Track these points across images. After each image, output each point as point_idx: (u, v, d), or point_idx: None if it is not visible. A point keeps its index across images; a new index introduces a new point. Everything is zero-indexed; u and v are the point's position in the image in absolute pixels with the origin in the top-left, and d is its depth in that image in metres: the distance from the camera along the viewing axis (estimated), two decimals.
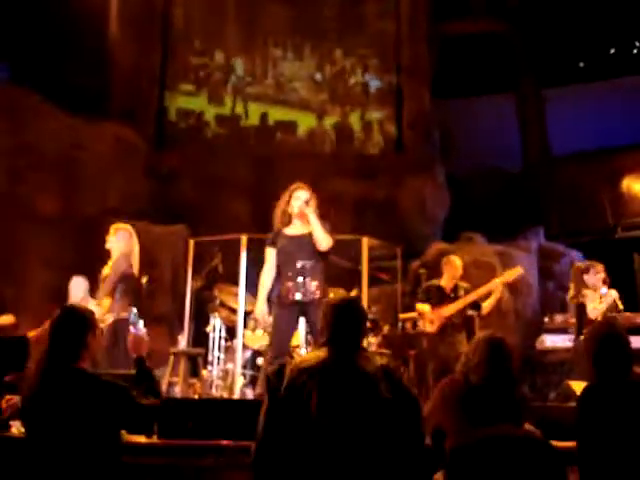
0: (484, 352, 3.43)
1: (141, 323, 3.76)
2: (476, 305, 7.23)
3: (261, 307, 5.44)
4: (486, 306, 7.20)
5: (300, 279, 5.30)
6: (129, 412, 3.26)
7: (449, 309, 7.12)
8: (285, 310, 5.32)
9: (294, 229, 5.54)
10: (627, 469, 3.38)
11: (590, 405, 3.56)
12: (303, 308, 5.31)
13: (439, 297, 7.27)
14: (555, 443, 3.66)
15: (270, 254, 5.50)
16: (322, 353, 3.16)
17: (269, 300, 5.56)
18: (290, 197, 5.56)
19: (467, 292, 7.24)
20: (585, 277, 6.94)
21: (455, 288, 7.31)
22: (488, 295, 7.22)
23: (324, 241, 5.41)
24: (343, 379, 3.04)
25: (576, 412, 3.61)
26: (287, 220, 5.57)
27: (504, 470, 2.96)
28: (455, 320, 7.09)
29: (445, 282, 7.36)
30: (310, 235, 5.43)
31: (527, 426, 3.53)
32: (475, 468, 2.93)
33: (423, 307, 7.30)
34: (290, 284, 5.28)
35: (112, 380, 3.37)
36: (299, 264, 5.33)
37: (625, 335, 3.77)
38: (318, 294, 5.29)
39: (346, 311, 3.24)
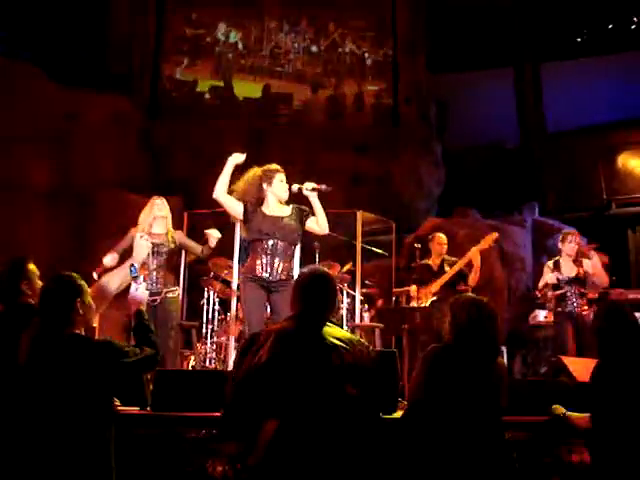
0: (468, 312, 3.49)
1: (141, 278, 3.80)
2: (463, 277, 7.28)
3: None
4: (472, 277, 7.26)
5: (269, 258, 5.33)
6: (121, 365, 3.32)
7: (435, 285, 7.22)
8: (253, 284, 5.33)
9: (271, 209, 5.50)
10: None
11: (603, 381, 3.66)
12: (268, 286, 5.34)
13: (428, 275, 7.37)
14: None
15: (239, 207, 5.43)
16: (292, 323, 3.21)
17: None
18: (272, 178, 5.51)
19: (452, 266, 7.31)
20: (560, 246, 7.00)
21: (441, 264, 7.41)
22: (472, 266, 7.27)
23: (326, 227, 5.53)
24: (301, 344, 3.09)
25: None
26: (259, 199, 5.51)
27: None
28: (442, 295, 7.14)
29: (432, 260, 7.46)
30: (286, 218, 5.47)
31: None
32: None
33: (411, 288, 7.42)
34: (259, 261, 5.32)
35: (104, 339, 3.45)
36: (271, 243, 5.36)
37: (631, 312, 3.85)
38: (284, 276, 5.34)
39: (314, 284, 3.26)
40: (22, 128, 9.93)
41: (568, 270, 6.91)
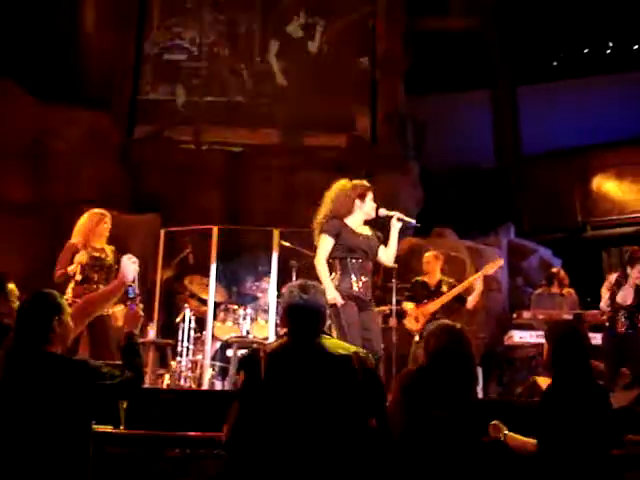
0: (442, 340, 3.50)
1: (138, 299, 3.79)
2: (461, 299, 7.29)
3: (334, 292, 5.27)
4: (471, 300, 7.26)
5: (363, 277, 5.38)
6: (97, 387, 3.25)
7: (434, 305, 7.19)
8: (352, 304, 5.30)
9: (359, 227, 5.56)
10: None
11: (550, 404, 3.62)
12: (360, 305, 5.34)
13: (424, 293, 7.35)
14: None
15: (329, 243, 5.42)
16: (288, 340, 3.20)
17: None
18: (365, 195, 5.60)
19: (451, 287, 7.30)
20: (629, 268, 6.92)
21: (439, 284, 7.39)
22: (470, 289, 7.28)
23: (393, 260, 5.72)
24: (311, 362, 3.09)
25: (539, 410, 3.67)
26: (346, 213, 5.55)
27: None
28: (440, 316, 7.11)
29: (429, 278, 7.44)
30: (371, 237, 5.56)
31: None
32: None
33: (407, 305, 7.38)
34: (355, 280, 5.33)
35: (82, 359, 3.40)
36: (370, 265, 5.47)
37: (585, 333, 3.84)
38: (371, 294, 5.50)
39: (301, 298, 3.25)
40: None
41: (626, 297, 6.83)
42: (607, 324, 6.94)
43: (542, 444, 3.52)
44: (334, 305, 5.19)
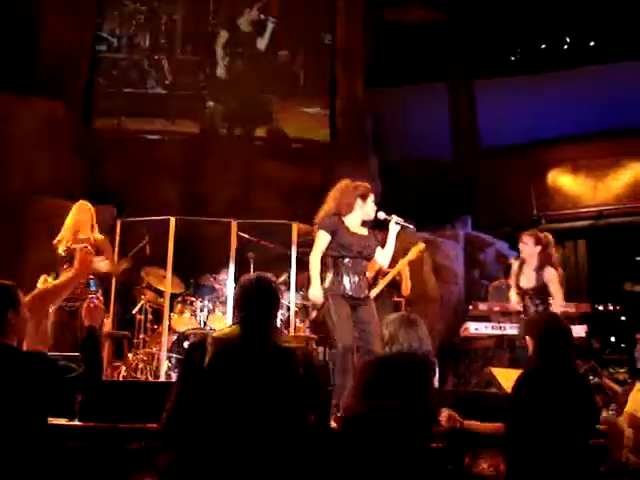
0: (399, 328, 3.55)
1: (100, 292, 3.77)
2: (396, 287, 7.37)
3: (318, 291, 5.45)
4: (403, 288, 7.35)
5: (354, 276, 5.48)
6: (55, 382, 3.21)
7: None
8: (345, 302, 5.42)
9: (355, 227, 5.65)
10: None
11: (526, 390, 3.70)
12: (353, 303, 5.46)
13: None
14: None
15: (325, 239, 5.53)
16: (237, 328, 3.23)
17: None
18: (367, 196, 5.69)
19: (384, 275, 7.39)
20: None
21: (376, 276, 7.46)
22: (400, 276, 7.36)
23: (388, 262, 5.86)
24: (256, 352, 3.12)
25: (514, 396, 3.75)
26: (347, 211, 5.65)
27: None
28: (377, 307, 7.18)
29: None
30: (368, 237, 5.66)
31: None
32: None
33: None
34: (347, 279, 5.45)
35: (38, 352, 3.36)
36: (363, 264, 5.57)
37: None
38: (367, 291, 5.62)
39: (257, 289, 3.28)
40: None
41: (528, 280, 6.91)
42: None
43: (516, 430, 3.61)
44: (326, 301, 5.40)
